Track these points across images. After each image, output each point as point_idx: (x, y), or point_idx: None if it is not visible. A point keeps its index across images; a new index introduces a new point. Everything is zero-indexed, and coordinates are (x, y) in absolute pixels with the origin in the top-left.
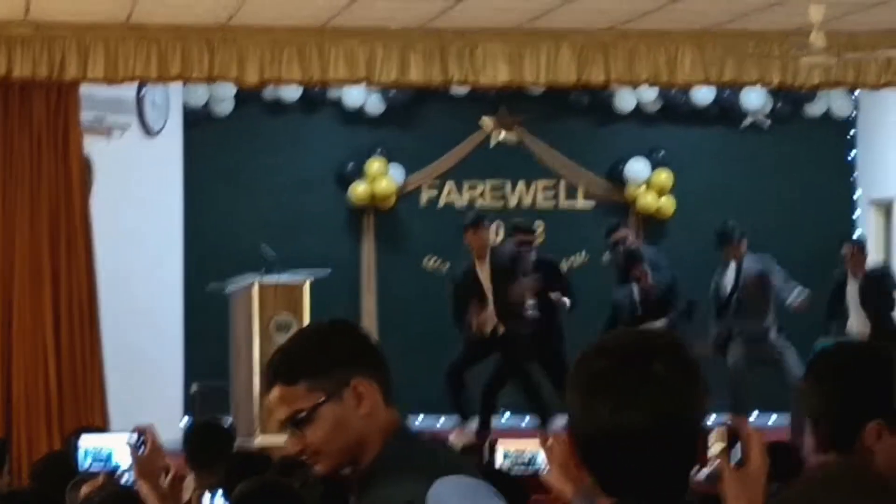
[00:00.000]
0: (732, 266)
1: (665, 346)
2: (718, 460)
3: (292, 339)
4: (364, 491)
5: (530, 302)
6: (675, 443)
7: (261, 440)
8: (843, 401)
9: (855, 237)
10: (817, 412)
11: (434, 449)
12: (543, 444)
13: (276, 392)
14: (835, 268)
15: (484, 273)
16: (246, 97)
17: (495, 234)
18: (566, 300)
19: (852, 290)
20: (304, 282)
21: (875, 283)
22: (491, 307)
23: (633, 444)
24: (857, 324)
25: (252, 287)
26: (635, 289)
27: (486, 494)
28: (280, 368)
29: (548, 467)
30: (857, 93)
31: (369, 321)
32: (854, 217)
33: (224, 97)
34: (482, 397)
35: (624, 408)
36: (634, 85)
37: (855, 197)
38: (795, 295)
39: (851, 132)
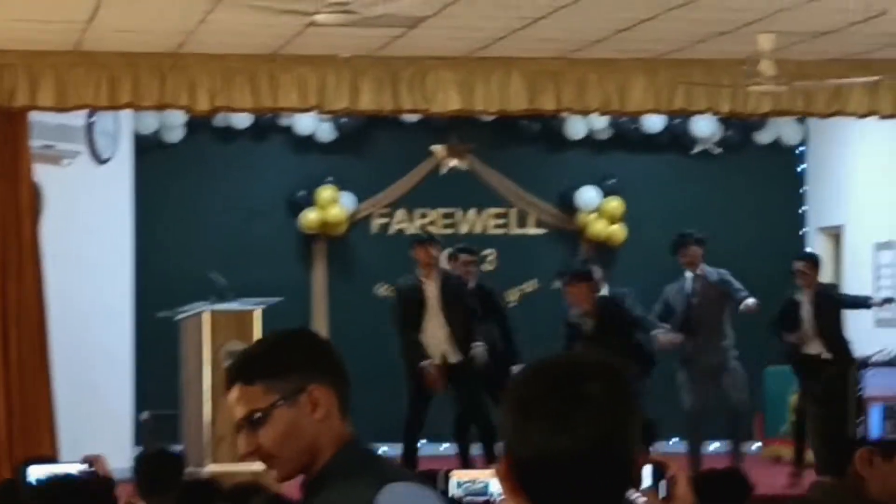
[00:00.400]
0: (689, 275)
1: (599, 368)
2: (645, 497)
3: (256, 342)
4: (312, 498)
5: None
6: (610, 465)
7: (211, 468)
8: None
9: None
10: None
11: (382, 460)
12: (498, 472)
13: (234, 392)
14: (784, 292)
15: (430, 290)
16: (196, 124)
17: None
18: (482, 349)
19: (807, 307)
20: (255, 310)
21: (827, 298)
22: (444, 330)
23: (567, 468)
24: (810, 340)
25: (202, 315)
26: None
27: (433, 501)
28: (239, 368)
29: (502, 496)
30: (806, 121)
31: None
32: (804, 244)
33: (174, 124)
34: (456, 438)
35: (558, 431)
36: (585, 113)
37: (804, 224)
38: (750, 302)
39: (801, 160)
